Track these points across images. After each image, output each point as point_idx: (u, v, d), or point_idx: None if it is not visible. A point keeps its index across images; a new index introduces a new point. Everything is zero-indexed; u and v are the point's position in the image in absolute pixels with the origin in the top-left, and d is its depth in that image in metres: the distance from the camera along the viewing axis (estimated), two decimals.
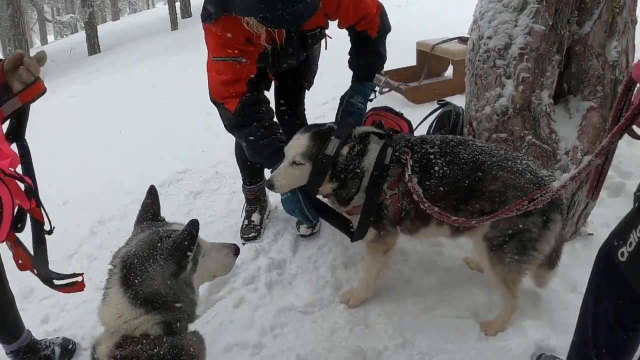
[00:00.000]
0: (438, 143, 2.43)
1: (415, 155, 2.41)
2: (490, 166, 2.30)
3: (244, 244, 3.32)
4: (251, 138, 2.72)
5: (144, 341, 1.53)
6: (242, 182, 3.60)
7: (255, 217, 3.52)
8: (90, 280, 3.29)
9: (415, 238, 2.68)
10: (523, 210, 1.93)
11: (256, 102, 2.75)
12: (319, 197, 2.69)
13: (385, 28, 2.95)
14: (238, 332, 2.69)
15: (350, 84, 3.09)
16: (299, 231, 3.37)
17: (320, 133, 2.47)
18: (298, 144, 2.47)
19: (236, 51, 2.62)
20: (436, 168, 2.35)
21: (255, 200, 3.58)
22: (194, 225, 1.61)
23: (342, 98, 3.07)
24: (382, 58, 3.08)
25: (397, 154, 2.42)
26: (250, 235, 3.41)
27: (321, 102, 5.45)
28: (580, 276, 2.69)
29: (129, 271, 1.55)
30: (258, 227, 3.48)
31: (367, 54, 3.01)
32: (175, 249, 1.57)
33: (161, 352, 1.53)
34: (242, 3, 2.32)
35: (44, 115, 7.97)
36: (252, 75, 2.73)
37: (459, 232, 2.47)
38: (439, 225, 2.46)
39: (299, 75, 3.25)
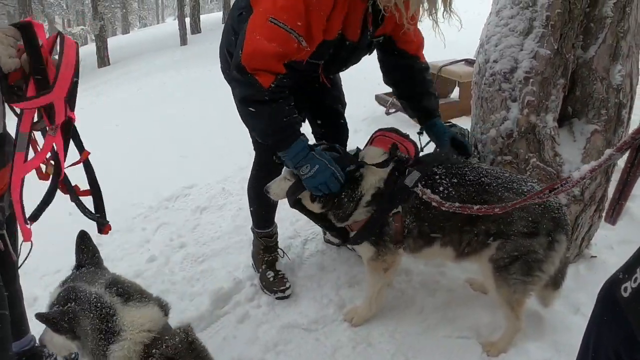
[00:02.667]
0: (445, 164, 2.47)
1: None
2: (496, 188, 2.33)
3: (282, 297, 3.03)
4: (273, 115, 2.41)
5: None
6: (257, 231, 3.21)
7: (279, 265, 3.20)
8: None
9: (418, 258, 2.68)
10: (544, 198, 1.91)
11: (287, 85, 2.42)
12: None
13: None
14: (241, 348, 2.70)
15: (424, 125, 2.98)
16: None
17: None
18: None
19: (303, 28, 2.27)
20: (441, 188, 2.38)
21: (274, 247, 3.24)
22: None
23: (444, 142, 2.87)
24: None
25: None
26: (287, 286, 3.04)
27: None
28: (584, 298, 2.70)
29: None
30: (285, 275, 3.13)
31: (429, 87, 2.90)
32: None
33: None
34: None
35: None
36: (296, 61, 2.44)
37: (464, 255, 2.48)
38: (443, 246, 2.48)
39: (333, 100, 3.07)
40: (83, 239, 1.80)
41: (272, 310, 2.95)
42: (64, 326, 1.48)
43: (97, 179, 2.19)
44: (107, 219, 2.21)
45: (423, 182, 2.40)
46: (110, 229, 2.23)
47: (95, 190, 2.20)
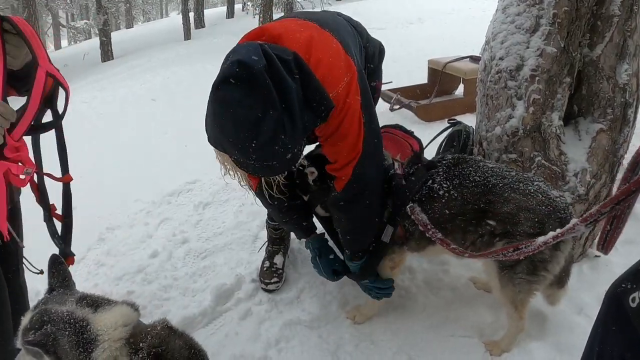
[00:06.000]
0: (444, 168, 2.46)
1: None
2: (502, 188, 2.31)
3: (264, 289, 3.09)
4: (274, 213, 2.77)
5: None
6: (266, 218, 3.33)
7: (278, 259, 3.20)
8: (96, 286, 3.34)
9: (423, 256, 2.69)
10: (507, 257, 2.00)
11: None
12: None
13: (359, 185, 2.33)
14: (243, 344, 2.70)
15: None
16: None
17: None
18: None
19: None
20: (441, 192, 2.38)
21: (279, 241, 3.27)
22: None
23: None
24: (348, 233, 2.55)
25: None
26: (272, 281, 3.08)
27: None
28: (587, 298, 2.70)
29: None
30: (280, 271, 3.15)
31: (343, 229, 2.56)
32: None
33: None
34: (220, 129, 2.00)
35: None
36: None
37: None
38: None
39: None
40: (54, 263, 1.82)
41: (275, 307, 2.95)
42: (52, 347, 1.50)
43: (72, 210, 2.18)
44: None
45: (419, 194, 2.43)
46: (73, 262, 2.20)
47: (68, 219, 2.19)
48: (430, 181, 2.42)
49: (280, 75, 1.91)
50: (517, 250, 1.90)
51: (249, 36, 2.23)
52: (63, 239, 2.18)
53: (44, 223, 2.13)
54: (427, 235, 2.33)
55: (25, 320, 1.62)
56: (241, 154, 1.99)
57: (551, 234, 1.72)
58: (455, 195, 2.35)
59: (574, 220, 1.61)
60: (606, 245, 1.59)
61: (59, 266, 1.81)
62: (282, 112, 1.91)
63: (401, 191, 2.44)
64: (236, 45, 2.06)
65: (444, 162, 2.48)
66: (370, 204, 2.40)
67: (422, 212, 2.40)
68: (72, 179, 2.13)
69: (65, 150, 2.10)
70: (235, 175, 2.23)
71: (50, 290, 1.78)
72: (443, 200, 2.36)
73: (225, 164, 2.17)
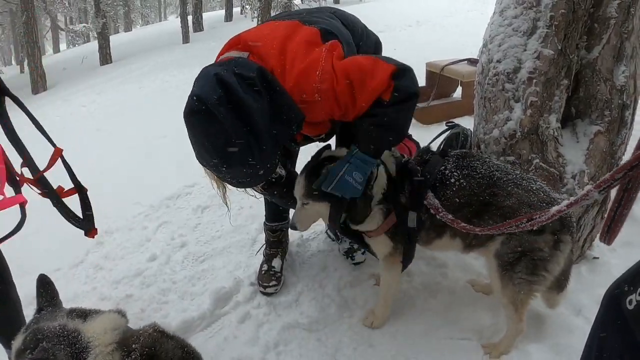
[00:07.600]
0: (454, 158, 2.48)
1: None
2: (506, 183, 2.34)
3: (262, 292, 3.09)
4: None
5: None
6: (264, 220, 3.32)
7: (276, 262, 3.19)
8: (94, 289, 3.34)
9: (429, 250, 2.69)
10: (521, 228, 1.98)
11: None
12: None
13: (404, 90, 2.23)
14: (242, 348, 2.70)
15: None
16: (353, 260, 3.24)
17: (313, 170, 2.48)
18: (299, 187, 2.53)
19: None
20: (452, 180, 2.40)
21: (277, 244, 3.28)
22: None
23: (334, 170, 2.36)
24: (396, 132, 2.37)
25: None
26: (270, 284, 3.08)
27: None
28: (585, 300, 2.70)
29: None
30: (279, 274, 3.15)
31: (378, 123, 2.28)
32: None
33: None
34: (197, 152, 2.22)
35: (54, 123, 8.07)
36: None
37: (471, 247, 2.49)
38: (452, 238, 2.49)
39: None
40: (42, 282, 1.87)
41: (273, 310, 2.94)
42: None
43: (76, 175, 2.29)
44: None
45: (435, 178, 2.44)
46: (96, 233, 2.31)
47: (79, 187, 2.30)
48: (443, 168, 2.45)
49: (239, 101, 1.99)
50: (530, 221, 1.92)
51: (226, 46, 2.38)
52: (84, 208, 2.29)
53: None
54: (438, 217, 2.33)
55: (17, 342, 1.66)
56: (217, 173, 2.24)
57: (565, 202, 1.72)
58: (465, 184, 2.38)
59: (587, 187, 1.60)
60: (610, 235, 1.59)
61: (47, 286, 1.86)
62: (247, 136, 2.01)
63: (423, 175, 2.44)
64: (200, 72, 2.18)
65: (453, 154, 2.51)
66: (409, 115, 2.37)
67: (435, 197, 2.40)
68: (62, 150, 2.24)
69: (40, 125, 2.22)
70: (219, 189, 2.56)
71: (39, 310, 1.82)
72: (454, 188, 2.39)
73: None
